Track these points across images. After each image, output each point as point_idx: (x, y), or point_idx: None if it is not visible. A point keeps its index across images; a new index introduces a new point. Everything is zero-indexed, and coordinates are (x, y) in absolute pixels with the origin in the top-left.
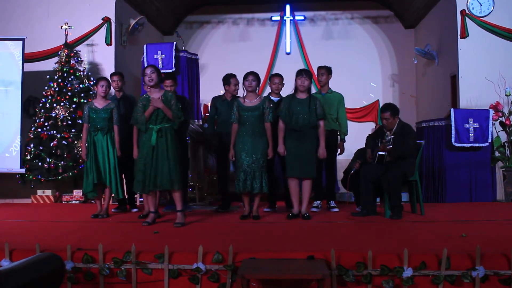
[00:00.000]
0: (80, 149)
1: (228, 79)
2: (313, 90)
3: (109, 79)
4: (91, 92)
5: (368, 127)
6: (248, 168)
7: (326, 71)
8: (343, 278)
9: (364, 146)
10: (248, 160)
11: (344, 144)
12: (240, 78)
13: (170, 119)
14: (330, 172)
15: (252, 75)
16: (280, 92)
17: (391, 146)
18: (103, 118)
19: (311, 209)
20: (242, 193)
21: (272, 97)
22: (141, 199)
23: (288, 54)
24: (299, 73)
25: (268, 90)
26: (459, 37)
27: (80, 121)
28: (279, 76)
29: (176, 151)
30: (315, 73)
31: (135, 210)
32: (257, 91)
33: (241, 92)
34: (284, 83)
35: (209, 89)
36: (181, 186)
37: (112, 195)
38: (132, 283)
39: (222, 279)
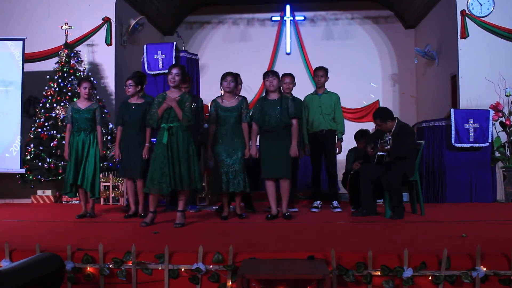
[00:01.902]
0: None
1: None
2: (312, 90)
3: (92, 81)
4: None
5: (368, 128)
6: (230, 168)
7: (325, 72)
8: (343, 278)
9: (355, 146)
10: (229, 161)
11: (342, 143)
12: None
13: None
14: (331, 172)
15: (230, 76)
16: (292, 92)
17: (389, 147)
18: (85, 119)
19: (311, 209)
20: (223, 194)
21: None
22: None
23: (288, 54)
24: (266, 74)
25: None
26: (459, 37)
27: (65, 122)
28: (290, 75)
29: (186, 151)
30: (318, 74)
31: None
32: (234, 92)
33: (246, 93)
34: (295, 83)
35: (209, 89)
36: (188, 187)
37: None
38: (132, 283)
39: (222, 279)
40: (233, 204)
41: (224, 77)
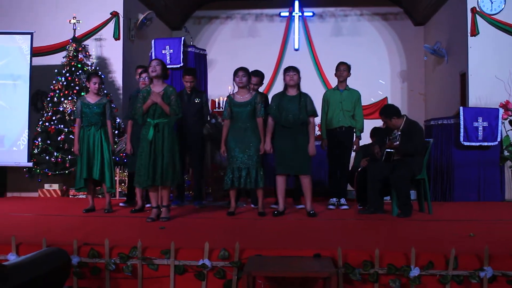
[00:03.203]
0: None
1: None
2: (319, 86)
3: (101, 76)
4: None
5: (376, 124)
6: (242, 164)
7: (348, 67)
8: (349, 277)
9: (369, 142)
10: (242, 157)
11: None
12: None
13: (167, 115)
14: (343, 170)
15: (242, 71)
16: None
17: (398, 143)
18: (95, 113)
19: (328, 206)
20: (231, 189)
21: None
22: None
23: (296, 50)
24: (287, 69)
25: (277, 85)
26: (469, 34)
27: (74, 117)
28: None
29: (171, 147)
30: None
31: (148, 205)
32: (248, 86)
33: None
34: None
35: (217, 84)
36: (172, 183)
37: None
38: (138, 278)
39: (228, 276)
40: (241, 200)
41: (236, 72)
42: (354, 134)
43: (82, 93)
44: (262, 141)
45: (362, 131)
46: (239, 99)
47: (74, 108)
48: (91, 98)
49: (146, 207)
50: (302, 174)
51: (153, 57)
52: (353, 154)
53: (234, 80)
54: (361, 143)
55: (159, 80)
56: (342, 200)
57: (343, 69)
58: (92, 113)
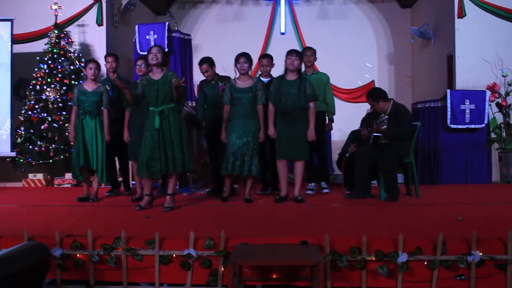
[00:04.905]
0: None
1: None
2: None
3: (98, 62)
4: (82, 74)
5: (363, 108)
6: (238, 150)
7: (314, 52)
8: (337, 264)
9: (358, 128)
10: (238, 142)
11: (333, 124)
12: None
13: (172, 100)
14: (321, 154)
15: (243, 57)
16: (271, 73)
17: (385, 127)
18: (92, 101)
19: (306, 191)
20: (227, 175)
21: (262, 78)
22: (133, 182)
23: (282, 34)
24: (289, 52)
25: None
26: (456, 16)
27: (71, 103)
28: (268, 57)
29: (178, 133)
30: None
31: (128, 192)
32: (250, 72)
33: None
34: (274, 64)
35: None
36: (181, 169)
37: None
38: (123, 269)
39: (214, 265)
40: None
41: (237, 58)
42: (327, 117)
43: (65, 81)
44: (262, 129)
45: (334, 114)
46: (240, 85)
47: (58, 96)
48: (88, 86)
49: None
50: (299, 159)
51: (138, 43)
52: (342, 139)
53: (235, 66)
54: (350, 128)
55: (158, 68)
56: (323, 184)
57: (310, 54)
58: (89, 101)
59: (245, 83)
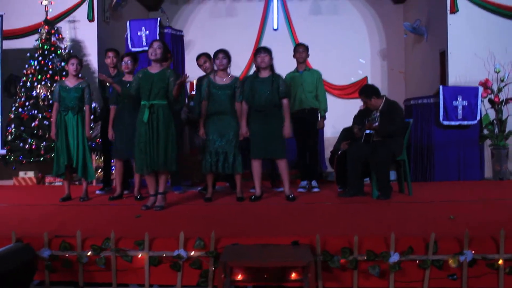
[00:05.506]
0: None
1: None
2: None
3: (80, 58)
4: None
5: (356, 104)
6: (220, 148)
7: (306, 48)
8: (328, 264)
9: (350, 125)
10: (219, 141)
11: (325, 121)
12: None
13: (165, 98)
14: (313, 152)
15: (222, 53)
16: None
17: (377, 124)
18: (74, 97)
19: (298, 189)
20: (208, 174)
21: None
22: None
23: (275, 30)
24: (258, 50)
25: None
26: (448, 12)
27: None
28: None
29: (165, 132)
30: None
31: (126, 191)
32: (228, 69)
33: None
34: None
35: (195, 66)
36: (167, 168)
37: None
38: (112, 270)
39: (204, 266)
40: (219, 184)
41: (216, 54)
42: (319, 114)
43: (56, 77)
44: (241, 126)
45: (326, 111)
46: (219, 81)
47: (48, 93)
48: (69, 82)
49: (125, 194)
50: (276, 157)
51: (129, 39)
52: (335, 135)
53: (214, 62)
54: (342, 125)
55: (157, 63)
56: (314, 183)
57: (302, 50)
58: (70, 97)
59: (223, 80)
